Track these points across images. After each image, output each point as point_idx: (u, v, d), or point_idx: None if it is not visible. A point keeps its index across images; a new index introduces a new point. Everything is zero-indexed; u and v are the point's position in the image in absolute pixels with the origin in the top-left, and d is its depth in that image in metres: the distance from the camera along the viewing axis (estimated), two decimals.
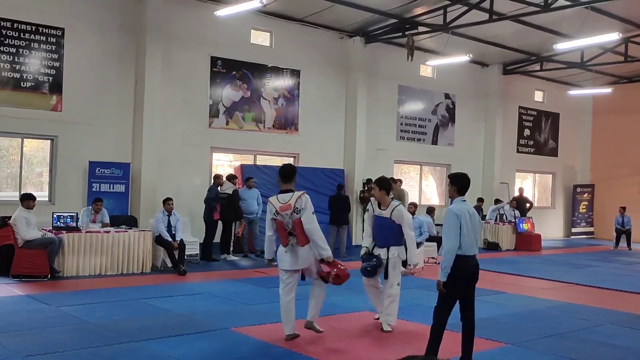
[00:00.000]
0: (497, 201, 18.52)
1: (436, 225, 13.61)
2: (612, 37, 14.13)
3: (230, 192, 12.90)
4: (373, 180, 7.66)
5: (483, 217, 17.91)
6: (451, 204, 5.78)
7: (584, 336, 7.37)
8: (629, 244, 19.20)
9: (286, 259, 6.50)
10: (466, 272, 5.56)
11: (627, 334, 7.64)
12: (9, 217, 10.11)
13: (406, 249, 7.30)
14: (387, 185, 7.39)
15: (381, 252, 7.30)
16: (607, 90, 20.72)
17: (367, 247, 7.46)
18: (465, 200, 5.75)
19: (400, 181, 15.99)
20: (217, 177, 13.14)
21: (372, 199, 7.60)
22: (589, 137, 23.84)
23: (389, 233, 7.26)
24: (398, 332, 7.21)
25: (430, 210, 13.65)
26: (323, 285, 6.69)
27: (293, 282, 6.60)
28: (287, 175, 6.54)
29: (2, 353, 5.80)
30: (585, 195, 23.40)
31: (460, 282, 5.56)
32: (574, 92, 21.58)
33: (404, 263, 7.42)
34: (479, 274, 5.71)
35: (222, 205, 12.80)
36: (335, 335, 6.94)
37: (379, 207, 7.37)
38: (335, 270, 6.49)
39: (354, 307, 8.41)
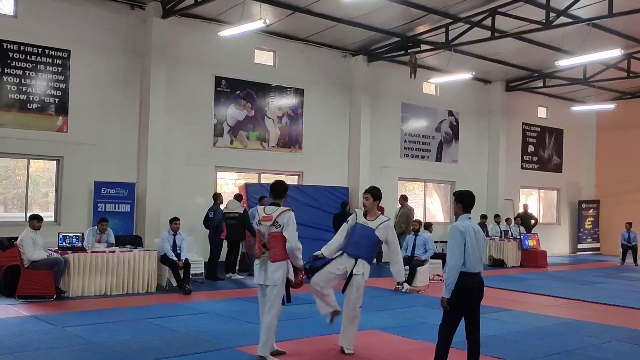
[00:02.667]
0: (496, 216, 18.41)
1: (435, 242, 13.47)
2: (614, 53, 14.20)
3: (241, 212, 12.93)
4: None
5: (487, 234, 17.89)
6: (456, 221, 5.79)
7: (591, 353, 7.32)
8: (635, 260, 19.10)
9: (256, 273, 6.50)
10: (471, 289, 5.55)
11: (634, 351, 7.59)
12: (15, 238, 10.14)
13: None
14: (381, 196, 7.14)
15: (347, 263, 6.84)
16: (611, 106, 20.74)
17: (319, 252, 7.05)
18: (470, 218, 5.77)
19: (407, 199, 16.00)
20: (217, 196, 13.17)
21: (357, 210, 7.27)
22: (594, 153, 23.83)
23: (365, 244, 6.92)
24: (403, 351, 7.18)
25: (427, 226, 13.58)
26: (274, 316, 6.38)
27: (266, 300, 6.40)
28: (278, 192, 6.53)
29: None
30: (591, 211, 23.33)
31: (465, 300, 5.55)
32: (577, 108, 21.61)
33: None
34: (483, 291, 5.71)
35: (229, 225, 12.85)
36: (340, 355, 6.91)
37: (365, 217, 7.03)
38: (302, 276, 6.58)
39: (360, 326, 8.35)
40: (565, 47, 16.07)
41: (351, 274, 6.82)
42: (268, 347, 6.38)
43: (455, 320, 5.61)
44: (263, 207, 6.57)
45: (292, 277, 6.44)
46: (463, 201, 5.79)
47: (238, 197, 13.47)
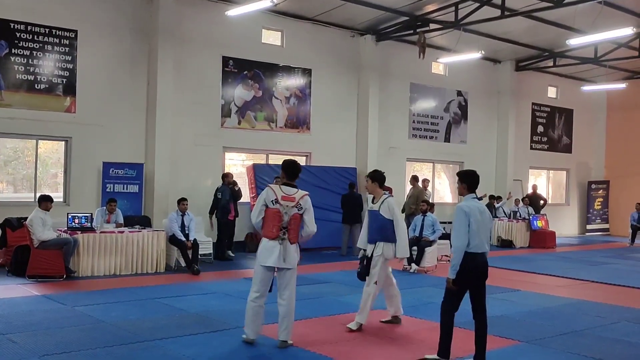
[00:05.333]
0: (491, 197, 18.20)
1: (441, 223, 13.38)
2: (626, 32, 13.97)
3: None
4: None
5: (495, 215, 17.87)
6: (462, 201, 5.78)
7: (600, 334, 7.32)
8: None
9: (272, 255, 6.14)
10: (475, 269, 5.57)
11: None
12: (25, 218, 10.21)
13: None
14: (379, 177, 7.26)
15: (369, 248, 7.15)
16: (622, 85, 20.52)
17: (362, 250, 7.31)
18: (475, 198, 5.76)
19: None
20: (226, 176, 13.21)
21: (368, 197, 7.46)
22: (604, 133, 23.64)
23: (376, 227, 7.12)
24: (412, 331, 7.20)
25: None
26: (294, 300, 6.35)
27: (268, 287, 6.29)
28: (293, 173, 6.39)
29: (19, 352, 5.87)
30: (600, 191, 23.21)
31: (468, 279, 5.59)
32: (587, 87, 21.40)
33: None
34: (488, 272, 5.71)
35: (236, 204, 12.90)
36: (350, 334, 6.95)
37: (372, 202, 7.27)
38: None
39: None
40: (576, 25, 15.86)
41: (370, 257, 7.06)
42: (291, 331, 6.35)
43: (456, 299, 5.65)
44: (279, 186, 6.33)
45: (299, 257, 6.37)
46: (467, 181, 5.80)
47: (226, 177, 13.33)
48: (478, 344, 5.72)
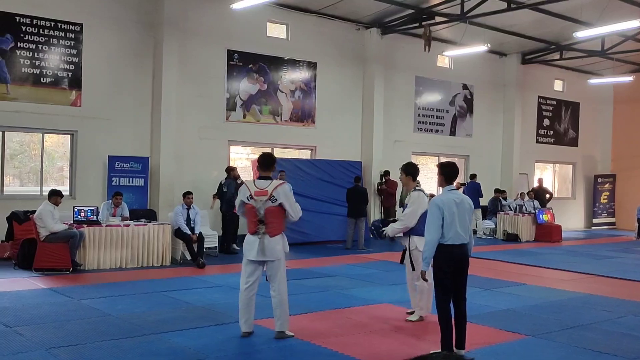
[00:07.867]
0: (497, 191, 18.25)
1: None
2: (633, 24, 13.87)
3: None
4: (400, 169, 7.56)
5: (501, 209, 17.83)
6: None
7: (606, 328, 7.29)
8: None
9: (253, 249, 6.21)
10: (451, 261, 5.62)
11: None
12: (32, 212, 10.24)
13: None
14: (412, 171, 7.32)
15: (404, 240, 7.32)
16: (629, 78, 20.38)
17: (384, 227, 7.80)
18: (453, 189, 5.85)
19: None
20: (232, 170, 13.20)
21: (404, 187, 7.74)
22: (610, 127, 23.52)
23: None
24: (416, 324, 7.19)
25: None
26: (286, 290, 6.37)
27: (256, 278, 6.33)
28: (267, 164, 6.41)
29: (26, 345, 5.89)
30: (607, 185, 23.11)
31: (446, 271, 5.63)
32: (594, 80, 21.28)
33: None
34: (467, 261, 5.74)
35: None
36: (354, 328, 6.94)
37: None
38: None
39: (374, 300, 8.40)
40: (583, 18, 15.76)
41: (409, 250, 7.22)
42: (287, 321, 6.37)
43: (445, 290, 5.68)
44: (252, 181, 6.38)
45: (287, 248, 6.38)
46: (445, 173, 5.88)
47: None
48: (457, 331, 5.74)
